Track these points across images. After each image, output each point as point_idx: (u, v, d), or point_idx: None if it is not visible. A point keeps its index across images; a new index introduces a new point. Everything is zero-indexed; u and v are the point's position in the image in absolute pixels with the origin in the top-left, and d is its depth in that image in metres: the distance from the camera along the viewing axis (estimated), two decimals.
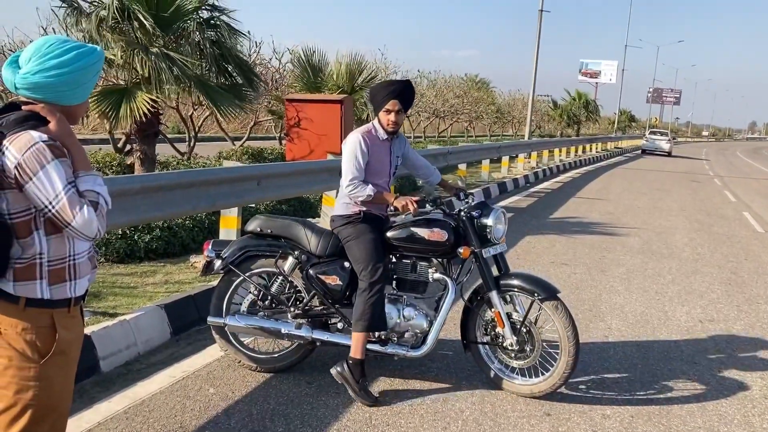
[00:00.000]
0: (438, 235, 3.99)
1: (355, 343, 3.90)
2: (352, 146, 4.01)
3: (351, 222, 4.06)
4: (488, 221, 4.03)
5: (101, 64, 2.20)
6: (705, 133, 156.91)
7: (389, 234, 4.08)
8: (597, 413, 3.94)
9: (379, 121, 4.08)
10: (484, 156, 16.15)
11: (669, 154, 41.22)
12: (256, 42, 14.40)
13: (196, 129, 13.07)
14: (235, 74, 8.74)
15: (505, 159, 18.28)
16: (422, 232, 4.01)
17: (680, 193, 18.15)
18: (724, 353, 5.23)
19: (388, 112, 3.99)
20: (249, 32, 10.53)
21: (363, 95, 13.53)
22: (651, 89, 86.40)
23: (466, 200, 4.16)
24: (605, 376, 4.54)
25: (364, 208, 4.07)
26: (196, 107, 12.79)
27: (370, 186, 3.99)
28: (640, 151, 42.85)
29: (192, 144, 12.23)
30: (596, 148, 35.76)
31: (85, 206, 2.06)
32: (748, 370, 4.91)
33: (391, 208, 4.13)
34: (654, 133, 45.42)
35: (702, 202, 16.26)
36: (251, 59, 12.88)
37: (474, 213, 4.06)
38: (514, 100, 41.84)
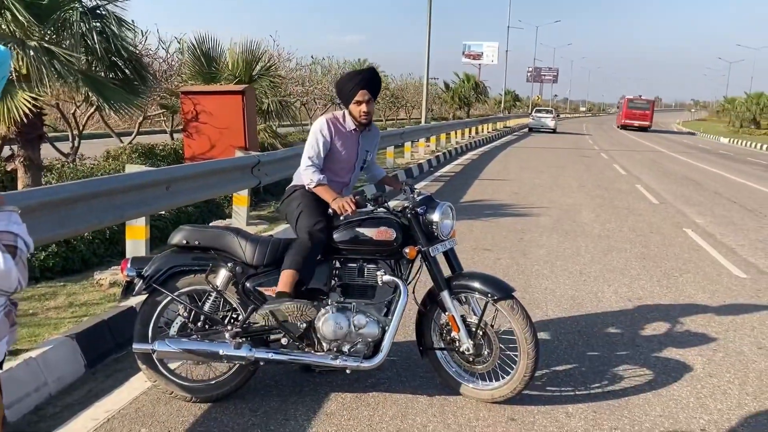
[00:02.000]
0: (385, 234, 3.70)
1: (283, 278, 3.61)
2: (315, 129, 3.93)
3: (304, 191, 3.91)
4: (434, 217, 3.77)
5: (8, 67, 1.73)
6: (582, 108, 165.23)
7: (333, 236, 3.75)
8: (560, 412, 3.80)
9: (351, 114, 3.93)
10: (388, 143, 15.97)
11: (554, 131, 42.92)
12: (141, 32, 13.42)
13: (80, 127, 12.04)
14: (125, 68, 8.03)
15: (408, 144, 18.20)
16: (368, 232, 3.71)
17: (575, 169, 18.77)
18: (659, 332, 5.28)
19: (359, 103, 3.87)
20: (133, 21, 9.72)
21: (262, 84, 12.95)
22: (531, 68, 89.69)
23: (413, 195, 3.88)
24: (557, 369, 4.43)
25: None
26: (79, 104, 11.77)
27: (322, 176, 3.86)
28: (527, 130, 44.32)
29: (77, 144, 11.25)
30: (487, 129, 36.58)
31: (0, 253, 1.61)
32: (686, 347, 4.97)
33: (330, 210, 3.79)
34: (539, 111, 47.14)
35: (597, 177, 16.87)
36: (138, 50, 12.00)
37: (419, 209, 3.79)
38: (406, 84, 42.01)
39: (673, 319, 5.61)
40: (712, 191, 15.10)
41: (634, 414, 3.83)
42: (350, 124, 3.98)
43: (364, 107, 3.88)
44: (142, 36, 13.14)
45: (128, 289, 3.75)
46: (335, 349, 3.69)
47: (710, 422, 3.79)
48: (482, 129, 34.61)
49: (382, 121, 39.52)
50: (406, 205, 3.83)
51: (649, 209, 11.93)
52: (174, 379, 3.76)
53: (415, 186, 4.07)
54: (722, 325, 5.52)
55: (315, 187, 3.85)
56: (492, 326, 3.79)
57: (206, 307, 3.76)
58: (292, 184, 4.09)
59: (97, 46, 7.41)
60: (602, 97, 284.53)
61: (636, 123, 53.93)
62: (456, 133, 27.21)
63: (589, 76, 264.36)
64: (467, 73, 49.62)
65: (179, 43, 15.43)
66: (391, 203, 3.92)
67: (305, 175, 3.89)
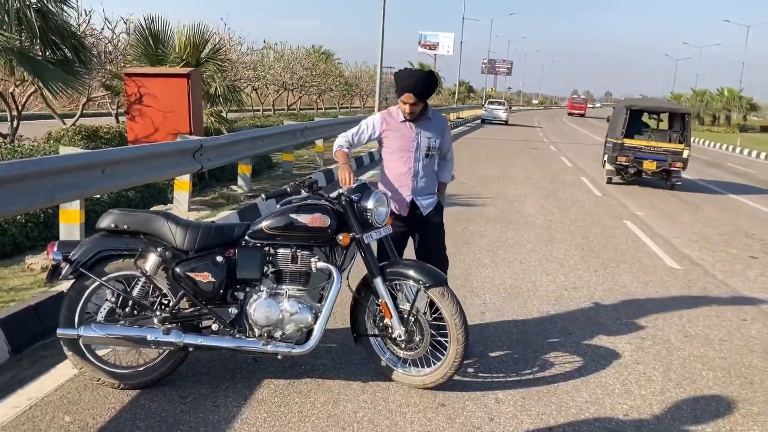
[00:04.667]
0: (319, 220, 3.69)
1: None
2: (368, 119, 4.39)
3: None
4: (369, 204, 3.78)
5: None
6: (535, 101, 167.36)
7: (264, 224, 3.72)
8: (490, 398, 3.87)
9: (400, 107, 4.23)
10: (339, 131, 15.78)
11: (506, 123, 43.40)
12: (85, 11, 13.00)
13: (19, 107, 11.64)
14: (64, 47, 7.80)
15: None
16: (302, 219, 3.69)
17: (524, 161, 19.05)
18: (592, 320, 5.41)
19: (404, 103, 4.14)
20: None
21: (209, 68, 12.72)
22: (485, 60, 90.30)
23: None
24: (491, 356, 4.50)
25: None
26: (18, 83, 11.37)
27: (345, 145, 4.28)
28: (480, 121, 44.69)
29: (15, 124, 10.87)
30: None
31: None
32: (616, 335, 5.11)
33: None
34: (492, 103, 47.52)
35: (544, 169, 17.16)
36: (80, 29, 11.64)
37: (354, 196, 3.79)
38: (360, 72, 41.87)
39: (607, 308, 5.76)
40: (653, 185, 15.49)
41: (561, 400, 3.92)
42: (399, 116, 4.26)
43: (407, 108, 4.15)
44: (86, 15, 12.73)
45: (54, 273, 3.65)
46: (267, 334, 3.68)
47: (633, 408, 3.91)
48: None
49: (335, 108, 39.37)
50: (341, 191, 3.83)
51: (592, 201, 12.20)
52: (101, 365, 3.68)
53: (363, 175, 4.09)
54: (653, 314, 5.70)
55: (336, 151, 4.26)
56: (424, 313, 3.82)
57: (135, 293, 3.69)
58: None
59: (34, 24, 7.17)
60: (554, 90, 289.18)
61: (576, 111, 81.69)
62: None
63: (542, 70, 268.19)
64: (422, 63, 49.85)
65: (126, 23, 15.01)
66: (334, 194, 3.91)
67: (335, 143, 4.32)
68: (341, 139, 4.32)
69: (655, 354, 4.78)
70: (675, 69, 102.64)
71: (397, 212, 4.26)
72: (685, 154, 14.10)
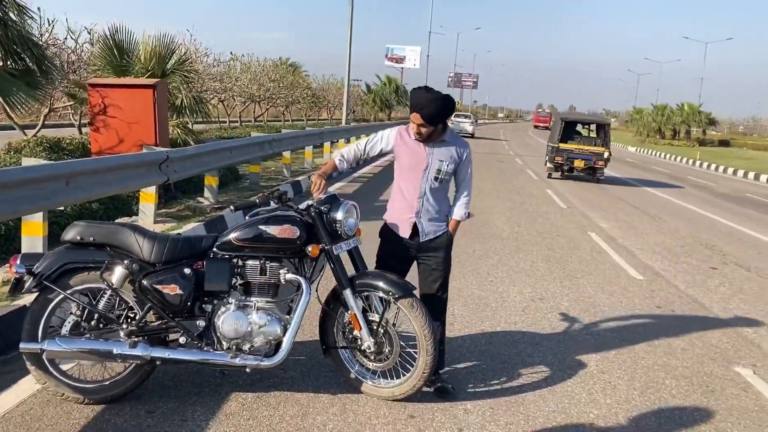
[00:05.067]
0: (288, 231, 3.68)
1: None
2: (385, 131, 4.24)
3: None
4: (338, 215, 3.79)
5: None
6: (500, 114, 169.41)
7: (232, 235, 3.70)
8: (459, 409, 3.89)
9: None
10: (307, 142, 15.91)
11: (472, 136, 43.76)
12: (48, 20, 12.80)
13: None
14: (25, 57, 7.67)
15: (327, 145, 18.17)
16: (271, 230, 3.67)
17: (490, 173, 19.25)
18: (558, 331, 5.48)
19: (413, 122, 3.98)
20: (39, 9, 9.29)
21: (176, 79, 12.62)
22: (452, 74, 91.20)
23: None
24: (458, 367, 4.53)
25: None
26: None
27: (338, 156, 4.24)
28: None
29: None
30: None
31: None
32: (582, 345, 5.19)
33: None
34: (458, 116, 47.89)
35: (510, 182, 17.36)
36: (43, 39, 11.46)
37: (323, 208, 3.80)
38: (328, 84, 41.93)
39: (573, 318, 5.85)
40: (617, 197, 15.80)
41: (529, 410, 3.97)
42: (413, 134, 4.06)
43: (415, 128, 3.98)
44: (49, 24, 12.54)
45: (17, 287, 3.58)
46: (235, 347, 3.65)
47: (599, 416, 3.97)
48: None
49: (303, 120, 39.32)
50: (309, 203, 3.83)
51: (558, 213, 12.37)
52: (65, 380, 3.61)
53: (332, 187, 4.10)
54: (617, 323, 5.80)
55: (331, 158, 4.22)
56: (394, 324, 3.83)
57: (101, 306, 3.64)
58: None
59: None
60: (519, 104, 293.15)
61: (541, 124, 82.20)
62: None
63: (507, 84, 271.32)
64: (389, 76, 50.11)
65: (89, 33, 14.82)
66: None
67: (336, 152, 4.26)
68: (343, 150, 4.27)
69: (620, 363, 4.86)
70: (637, 84, 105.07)
71: (398, 233, 4.08)
72: (606, 155, 18.44)
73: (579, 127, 21.08)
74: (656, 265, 8.38)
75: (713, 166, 32.43)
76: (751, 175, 28.04)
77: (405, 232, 4.08)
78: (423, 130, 3.95)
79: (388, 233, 4.14)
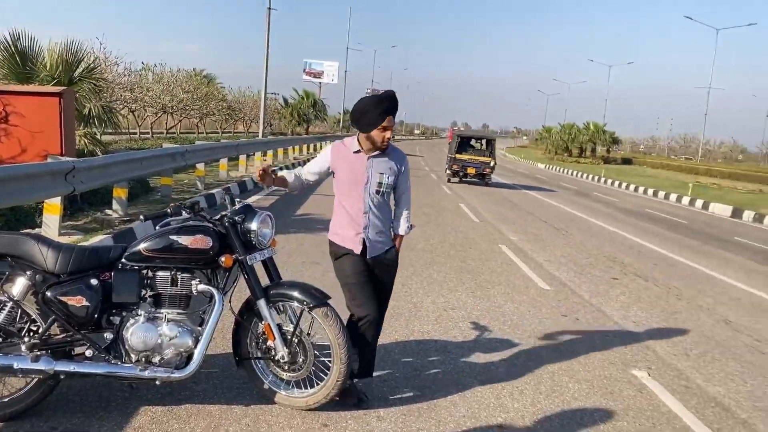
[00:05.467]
0: (201, 242, 3.64)
1: None
2: (324, 150, 4.17)
3: None
4: (252, 225, 3.78)
5: None
6: (417, 131, 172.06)
7: (142, 246, 3.63)
8: (372, 416, 3.94)
9: (371, 139, 3.93)
10: (222, 154, 15.65)
11: None
12: None
13: None
14: None
15: (243, 158, 17.95)
16: (183, 240, 3.62)
17: None
18: (469, 339, 5.64)
19: (385, 129, 3.89)
20: None
21: (84, 88, 12.18)
22: (369, 90, 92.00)
23: (231, 204, 3.86)
24: (373, 375, 4.56)
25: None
26: None
27: (288, 172, 4.20)
28: None
29: None
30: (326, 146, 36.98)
31: None
32: (491, 352, 5.35)
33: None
34: None
35: (425, 196, 17.67)
36: None
37: (237, 218, 3.78)
38: (244, 97, 41.44)
39: (483, 327, 6.02)
40: (527, 212, 16.37)
41: (440, 415, 4.06)
42: (354, 146, 4.00)
43: (388, 133, 3.91)
44: None
45: None
46: (144, 360, 3.57)
47: (507, 419, 4.11)
48: (321, 146, 34.97)
49: (218, 133, 38.65)
50: (223, 213, 3.81)
51: (470, 226, 12.70)
52: None
53: (248, 200, 4.07)
54: (525, 332, 6.01)
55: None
56: (308, 334, 3.85)
57: (1, 319, 3.48)
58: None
59: None
60: (434, 121, 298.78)
61: None
62: (294, 149, 27.29)
63: (424, 101, 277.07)
64: (306, 90, 50.07)
65: None
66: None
67: None
68: (294, 171, 4.22)
69: (527, 369, 5.05)
70: (546, 103, 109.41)
71: (348, 249, 4.05)
72: (492, 163, 23.14)
73: (472, 142, 25.88)
74: (563, 276, 8.75)
75: (616, 182, 34.17)
76: (650, 191, 29.75)
77: (357, 249, 4.05)
78: (390, 132, 3.95)
79: (338, 251, 4.10)
